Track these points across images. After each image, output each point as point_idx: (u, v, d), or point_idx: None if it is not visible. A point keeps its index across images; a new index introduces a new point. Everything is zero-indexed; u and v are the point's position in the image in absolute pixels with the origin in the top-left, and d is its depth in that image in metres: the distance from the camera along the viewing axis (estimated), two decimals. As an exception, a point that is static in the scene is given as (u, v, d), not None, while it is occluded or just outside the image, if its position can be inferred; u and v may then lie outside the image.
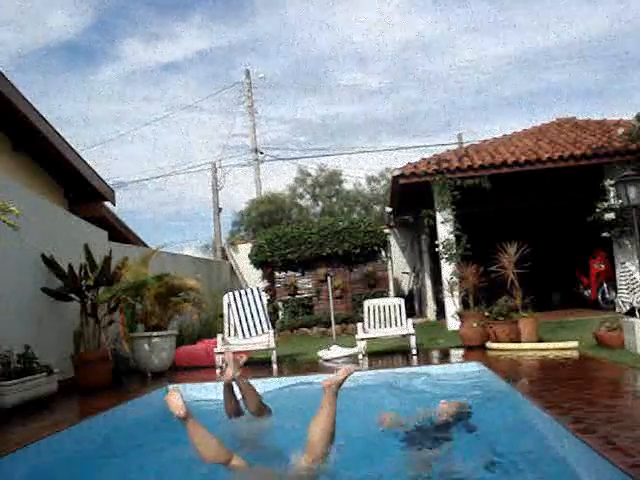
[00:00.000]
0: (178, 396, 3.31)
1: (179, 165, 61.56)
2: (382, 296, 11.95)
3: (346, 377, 3.46)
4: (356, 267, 13.36)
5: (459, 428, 3.95)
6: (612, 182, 10.33)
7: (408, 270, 17.04)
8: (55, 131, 9.32)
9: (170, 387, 3.31)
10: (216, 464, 3.24)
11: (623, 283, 7.55)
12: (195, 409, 4.69)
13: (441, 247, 11.67)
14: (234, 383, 4.57)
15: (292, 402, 5.55)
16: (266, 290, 13.06)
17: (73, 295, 6.97)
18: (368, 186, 26.16)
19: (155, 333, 7.71)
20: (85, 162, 10.26)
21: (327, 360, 7.97)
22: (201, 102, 69.87)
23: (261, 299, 8.59)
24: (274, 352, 7.76)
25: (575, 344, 7.10)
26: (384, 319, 8.48)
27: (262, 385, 5.48)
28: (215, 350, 7.76)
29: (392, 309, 8.55)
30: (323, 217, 19.19)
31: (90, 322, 6.93)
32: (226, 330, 8.32)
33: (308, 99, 47.00)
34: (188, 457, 3.87)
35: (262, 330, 8.29)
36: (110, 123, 50.43)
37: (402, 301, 8.73)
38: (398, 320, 8.42)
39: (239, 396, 4.58)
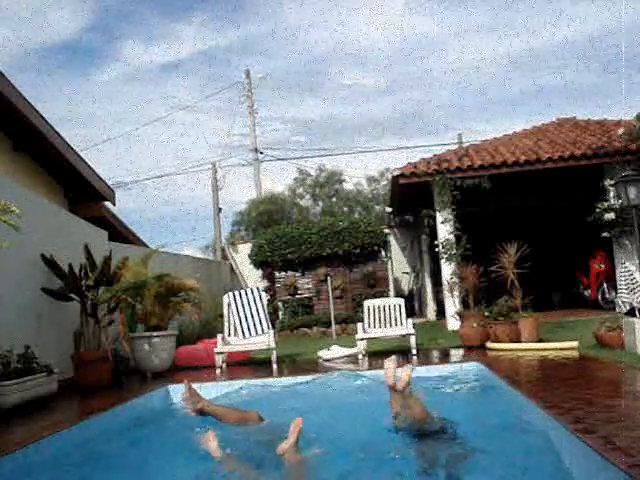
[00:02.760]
0: (214, 443, 3.49)
1: (179, 165, 61.54)
2: (382, 296, 11.95)
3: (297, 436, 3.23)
4: (356, 267, 13.36)
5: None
6: (612, 182, 10.33)
7: (408, 270, 17.04)
8: (55, 131, 9.32)
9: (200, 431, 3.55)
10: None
11: (623, 283, 7.55)
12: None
13: (441, 247, 11.67)
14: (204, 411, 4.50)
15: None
16: (266, 290, 13.06)
17: (73, 295, 6.97)
18: (368, 186, 26.20)
19: (155, 333, 7.70)
20: (85, 162, 10.26)
21: (327, 360, 7.98)
22: (201, 102, 69.78)
23: (261, 299, 8.60)
24: (274, 352, 7.76)
25: (575, 344, 7.10)
26: (384, 319, 8.48)
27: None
28: (215, 350, 7.77)
29: (392, 309, 8.55)
30: (323, 217, 19.20)
31: (90, 322, 6.93)
32: (226, 330, 8.32)
33: (308, 99, 47.00)
34: (187, 456, 3.88)
35: (262, 330, 8.29)
36: (110, 123, 50.43)
37: (402, 301, 8.73)
38: (398, 320, 8.42)
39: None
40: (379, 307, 8.62)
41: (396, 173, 12.01)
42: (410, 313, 10.66)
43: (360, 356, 7.90)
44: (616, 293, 9.31)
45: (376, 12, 43.58)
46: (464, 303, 9.93)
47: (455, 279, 11.06)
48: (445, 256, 11.58)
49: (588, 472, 2.94)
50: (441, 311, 13.19)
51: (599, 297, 12.41)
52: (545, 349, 7.21)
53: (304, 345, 10.29)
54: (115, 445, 4.36)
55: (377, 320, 8.50)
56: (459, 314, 8.94)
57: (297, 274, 13.60)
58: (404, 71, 46.92)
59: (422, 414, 3.72)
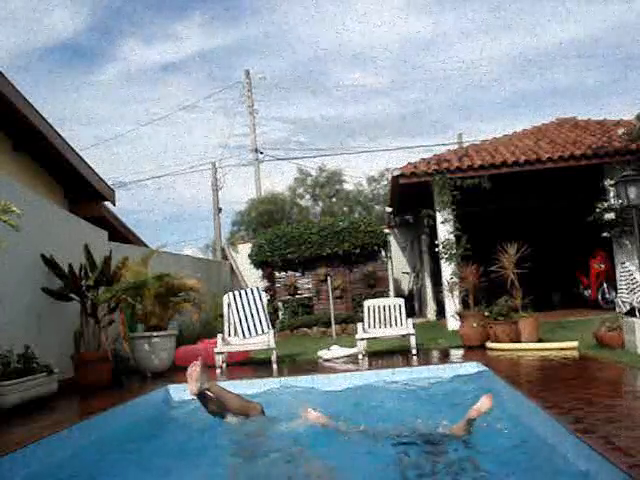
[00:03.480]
0: None
1: (179, 165, 61.56)
2: (382, 296, 11.94)
3: None
4: (356, 267, 13.36)
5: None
6: (612, 182, 10.33)
7: (408, 270, 17.03)
8: (55, 131, 9.32)
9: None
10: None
11: (623, 283, 7.54)
12: (195, 410, 4.71)
13: (441, 247, 11.67)
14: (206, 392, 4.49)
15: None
16: (266, 290, 13.05)
17: (73, 295, 6.97)
18: (368, 186, 26.20)
19: (155, 333, 7.70)
20: (85, 162, 10.26)
21: (327, 360, 7.97)
22: (201, 102, 69.78)
23: (261, 299, 8.59)
24: (274, 352, 7.75)
25: (575, 344, 7.09)
26: (384, 319, 8.48)
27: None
28: (215, 350, 7.76)
29: (392, 309, 8.55)
30: (323, 217, 19.19)
31: (90, 322, 6.93)
32: (226, 330, 8.32)
33: (308, 99, 47.03)
34: (187, 456, 3.88)
35: (262, 330, 8.28)
36: (110, 123, 50.46)
37: (402, 301, 8.72)
38: (398, 320, 8.42)
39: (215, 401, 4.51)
40: (379, 307, 8.61)
41: (396, 173, 12.00)
42: (410, 313, 10.64)
43: (360, 356, 7.89)
44: (616, 293, 9.30)
45: (376, 12, 43.60)
46: (464, 303, 9.93)
47: (455, 279, 11.06)
48: (445, 256, 11.58)
49: (588, 472, 2.94)
50: (441, 311, 13.18)
51: (599, 297, 12.40)
52: (545, 349, 7.21)
53: (304, 345, 10.28)
54: (114, 445, 4.36)
55: (377, 320, 8.50)
56: (459, 314, 8.94)
57: (297, 274, 13.59)
58: (404, 71, 46.95)
59: (463, 434, 3.88)
